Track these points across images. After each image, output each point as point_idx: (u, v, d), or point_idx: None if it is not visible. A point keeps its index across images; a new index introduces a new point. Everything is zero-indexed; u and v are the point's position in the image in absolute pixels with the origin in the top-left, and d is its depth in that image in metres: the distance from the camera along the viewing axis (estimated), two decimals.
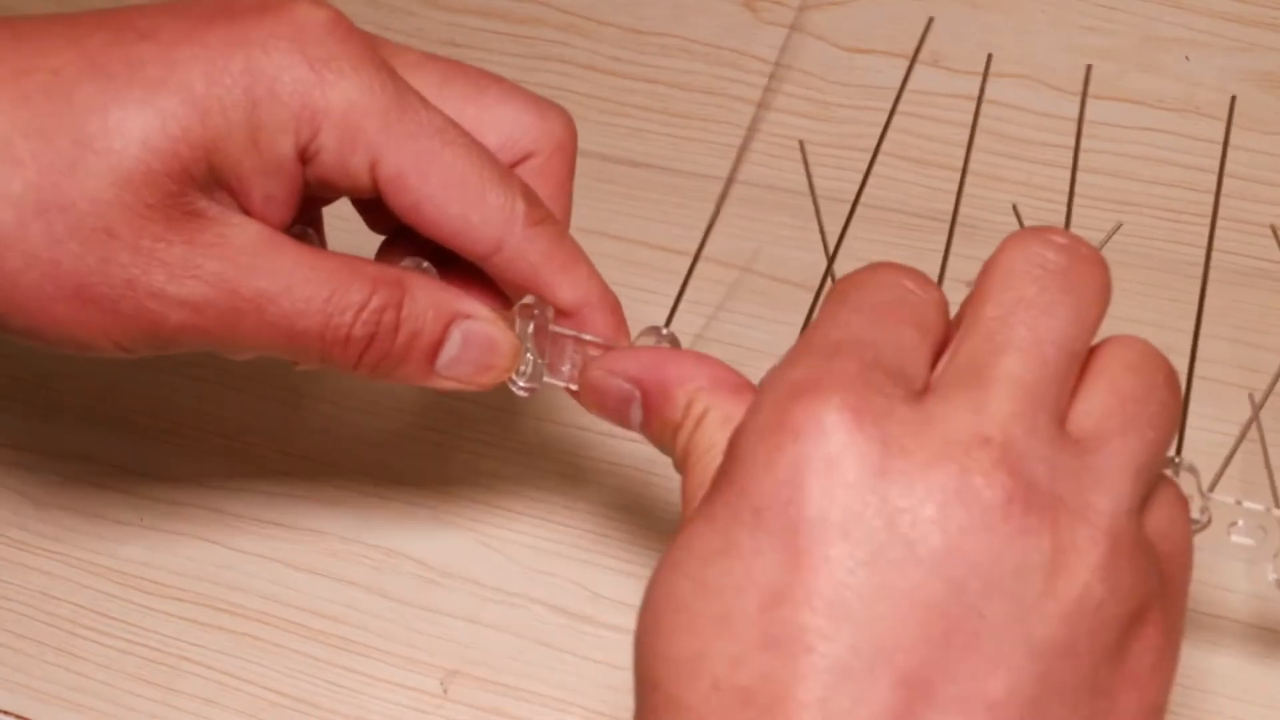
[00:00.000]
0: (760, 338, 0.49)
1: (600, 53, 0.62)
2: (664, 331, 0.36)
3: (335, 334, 0.34)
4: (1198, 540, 0.34)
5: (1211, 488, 0.35)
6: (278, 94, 0.33)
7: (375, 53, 0.35)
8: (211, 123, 0.33)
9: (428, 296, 0.35)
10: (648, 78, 0.61)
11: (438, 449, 0.46)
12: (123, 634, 0.41)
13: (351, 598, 0.42)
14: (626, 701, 0.39)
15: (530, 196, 0.36)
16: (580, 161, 0.64)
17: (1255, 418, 0.38)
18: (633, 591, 0.42)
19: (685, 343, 0.39)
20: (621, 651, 0.40)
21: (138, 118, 0.32)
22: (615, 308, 0.37)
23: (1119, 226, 0.40)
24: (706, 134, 0.60)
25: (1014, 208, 0.42)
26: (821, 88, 0.59)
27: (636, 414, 0.33)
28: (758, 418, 0.26)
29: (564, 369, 0.37)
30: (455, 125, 0.35)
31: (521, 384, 0.37)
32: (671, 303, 0.39)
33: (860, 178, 0.57)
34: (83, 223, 0.32)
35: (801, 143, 0.43)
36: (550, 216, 0.37)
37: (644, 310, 0.39)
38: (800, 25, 0.58)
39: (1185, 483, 0.33)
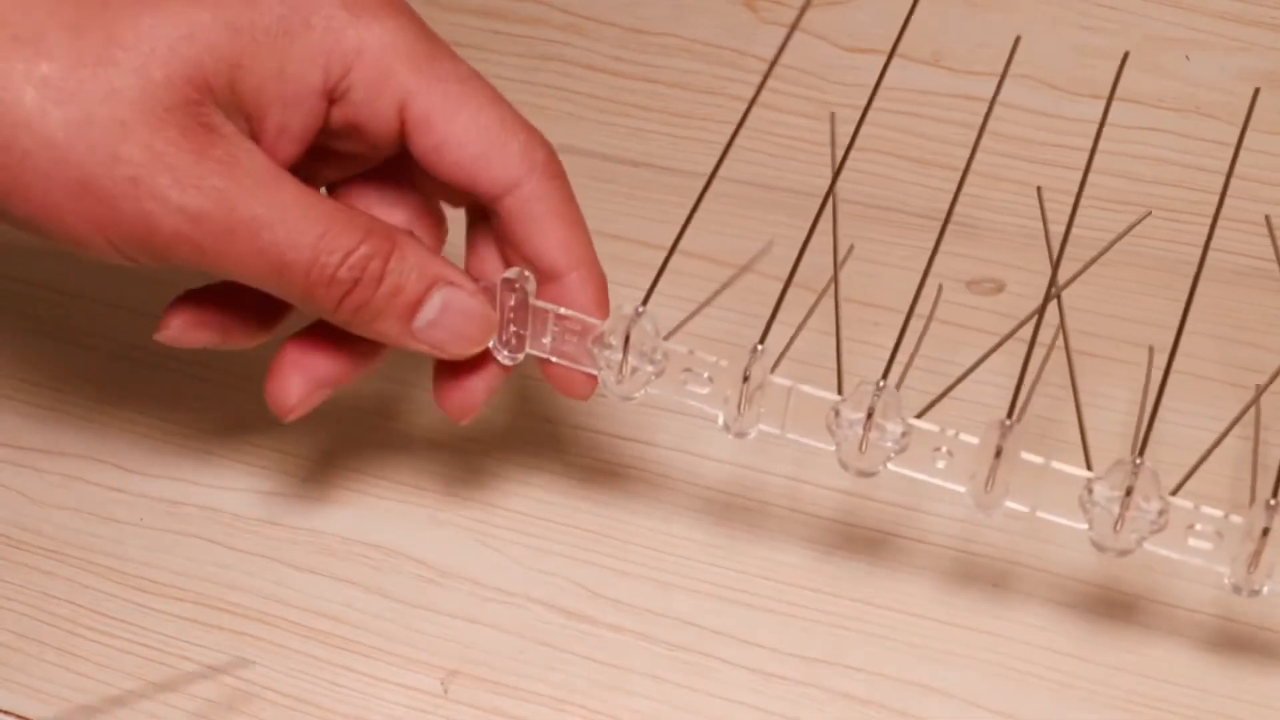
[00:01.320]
0: (745, 333, 0.49)
1: (601, 53, 0.62)
2: (640, 310, 0.36)
3: (321, 273, 0.34)
4: (1156, 541, 0.34)
5: (1189, 476, 0.34)
6: (313, 27, 0.35)
7: (407, 4, 0.37)
8: (240, 42, 0.34)
9: (415, 256, 0.36)
10: (648, 77, 0.61)
11: (437, 449, 0.46)
12: (123, 634, 0.41)
13: (351, 598, 0.42)
14: (627, 702, 0.39)
15: (551, 152, 0.38)
16: (580, 161, 0.64)
17: (1255, 400, 0.38)
18: (633, 591, 0.42)
19: (686, 341, 0.39)
20: (621, 651, 0.40)
21: (169, 25, 0.33)
22: (602, 282, 0.38)
23: (1148, 214, 0.40)
24: (707, 134, 0.60)
25: (1038, 190, 0.43)
26: (822, 87, 0.59)
27: None
28: None
29: (544, 341, 0.38)
30: (481, 77, 0.37)
31: (505, 353, 0.38)
32: (672, 301, 0.39)
33: (861, 177, 0.57)
34: (100, 115, 0.32)
35: (833, 114, 0.43)
36: (564, 175, 0.38)
37: None
38: (803, 25, 0.58)
39: (1145, 485, 0.33)
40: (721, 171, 0.39)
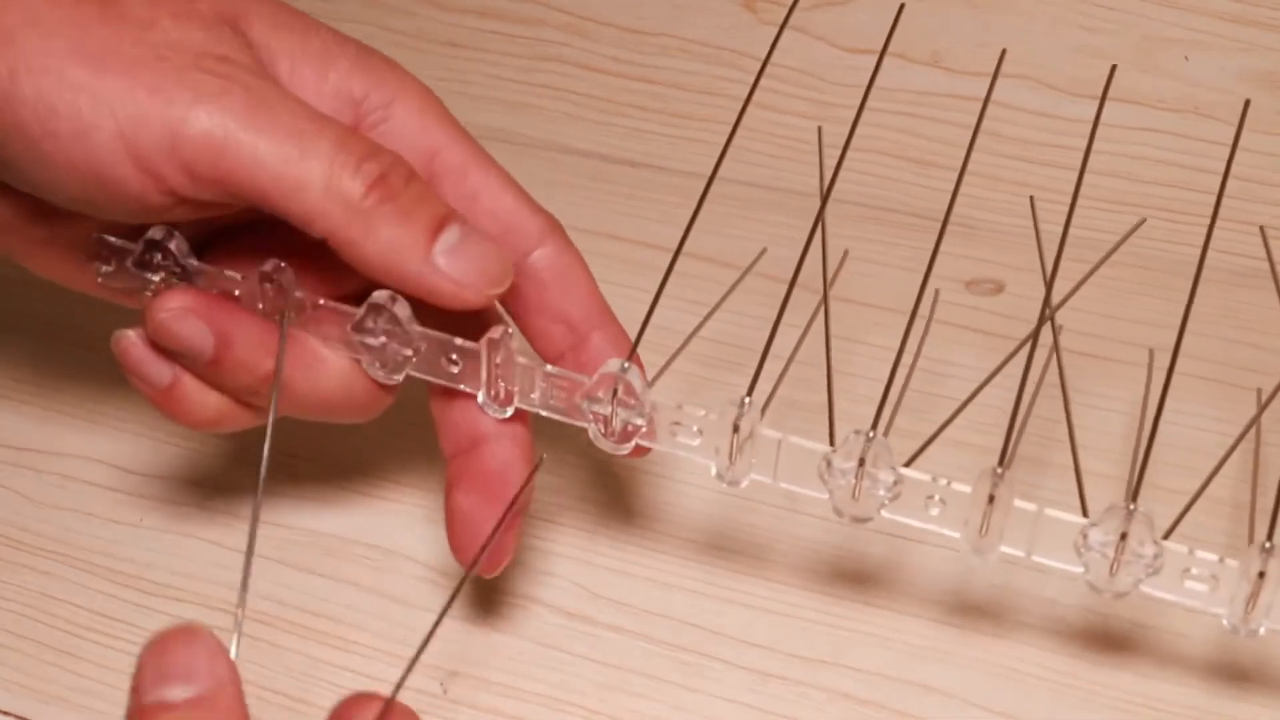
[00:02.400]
0: (761, 338, 0.49)
1: (600, 53, 0.62)
2: (626, 366, 0.36)
3: (348, 156, 0.33)
4: (1152, 584, 0.34)
5: (1181, 516, 0.34)
6: (365, 53, 0.36)
7: None
8: (288, 17, 0.35)
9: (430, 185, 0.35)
10: (647, 78, 0.61)
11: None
12: (123, 634, 0.41)
13: (351, 598, 0.42)
14: (627, 702, 0.39)
15: (556, 219, 0.39)
16: (580, 161, 0.64)
17: (1257, 419, 0.38)
18: (632, 592, 0.42)
19: (681, 342, 0.39)
20: (621, 651, 0.40)
21: None
22: (627, 342, 0.38)
23: (1142, 222, 0.40)
24: (706, 134, 0.60)
25: (1031, 200, 0.42)
26: (821, 88, 0.59)
27: None
28: None
29: (533, 396, 0.37)
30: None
31: (495, 407, 0.37)
32: (672, 302, 0.39)
33: (860, 178, 0.57)
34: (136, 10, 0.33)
35: (820, 128, 0.43)
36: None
37: (643, 310, 0.38)
38: (802, 25, 0.58)
39: (1140, 529, 0.33)
40: (721, 172, 0.39)
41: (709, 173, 0.38)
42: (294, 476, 0.45)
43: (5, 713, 0.39)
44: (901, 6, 0.41)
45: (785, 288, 0.38)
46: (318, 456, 0.46)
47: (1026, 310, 0.52)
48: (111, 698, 0.39)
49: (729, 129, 0.38)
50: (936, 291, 0.49)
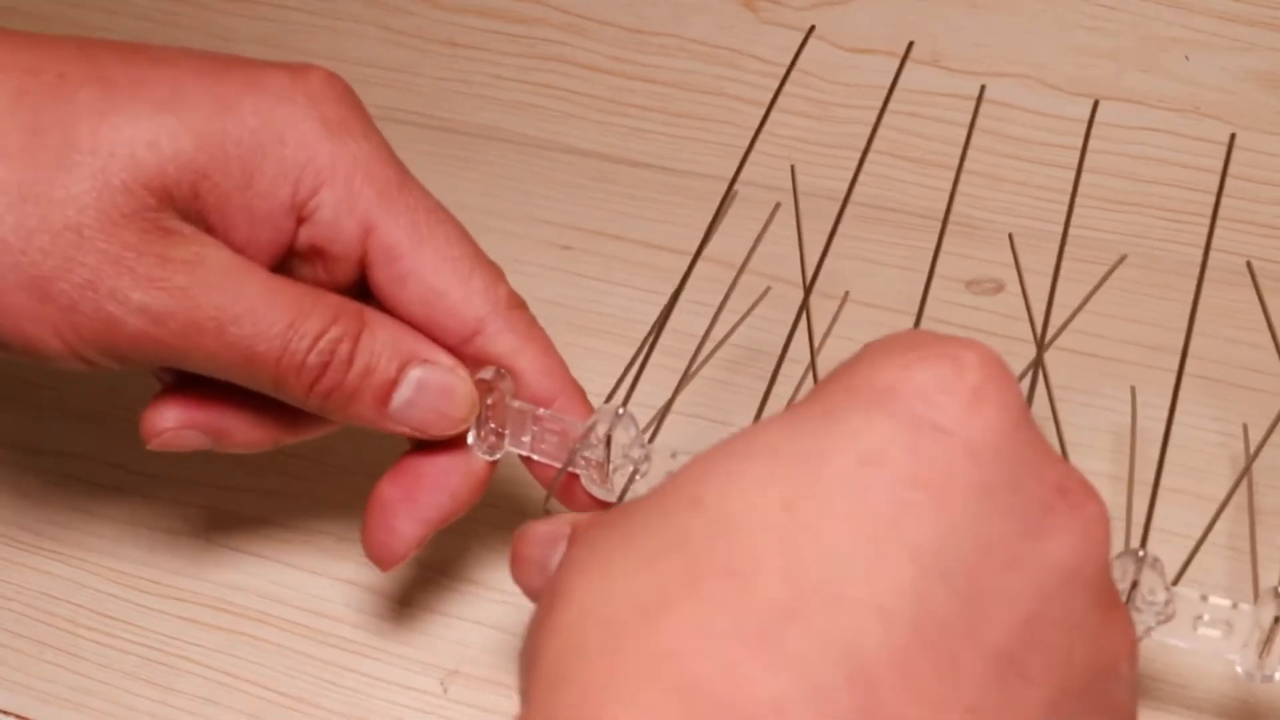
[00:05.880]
0: (761, 337, 0.49)
1: (600, 52, 0.62)
2: (620, 412, 0.36)
3: (291, 360, 0.33)
4: (1164, 631, 0.33)
5: (1190, 560, 0.34)
6: (286, 142, 0.34)
7: (378, 130, 0.36)
8: (208, 153, 0.33)
9: (387, 334, 0.35)
10: (648, 77, 0.61)
11: None
12: (123, 634, 0.41)
13: (351, 598, 0.42)
14: None
15: (510, 288, 0.37)
16: (580, 161, 0.64)
17: (1246, 470, 0.38)
18: None
19: (688, 342, 0.39)
20: None
21: (131, 130, 0.32)
22: (583, 397, 0.38)
23: (1123, 259, 0.40)
24: (706, 134, 0.60)
25: (1010, 238, 0.42)
26: (821, 88, 0.59)
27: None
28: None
29: (524, 439, 0.37)
30: (444, 208, 0.36)
31: (484, 449, 0.37)
32: (670, 302, 0.39)
33: (862, 178, 0.57)
34: (54, 218, 0.32)
35: (793, 167, 0.43)
36: (524, 303, 0.37)
37: (643, 310, 0.39)
38: (802, 25, 0.58)
39: (1150, 577, 0.32)
40: (720, 172, 0.39)
41: (709, 172, 0.38)
42: (295, 477, 0.45)
43: (5, 712, 0.39)
44: (913, 42, 0.40)
45: (785, 287, 0.38)
46: (319, 457, 0.46)
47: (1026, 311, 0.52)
48: (112, 697, 0.39)
49: (729, 128, 0.38)
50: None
